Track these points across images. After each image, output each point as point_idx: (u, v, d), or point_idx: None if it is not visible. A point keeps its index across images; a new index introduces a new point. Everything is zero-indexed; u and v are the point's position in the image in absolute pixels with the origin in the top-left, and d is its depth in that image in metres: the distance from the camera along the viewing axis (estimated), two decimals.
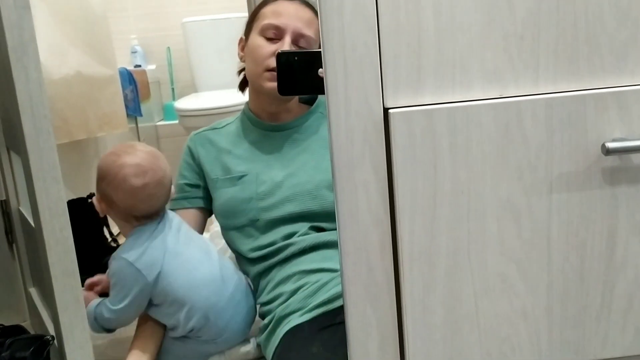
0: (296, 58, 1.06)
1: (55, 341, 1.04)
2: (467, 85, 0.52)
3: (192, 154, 1.32)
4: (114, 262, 1.10)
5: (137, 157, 1.09)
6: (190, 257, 1.12)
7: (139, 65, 2.98)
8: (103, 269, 1.70)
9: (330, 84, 0.52)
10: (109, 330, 1.15)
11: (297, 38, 1.18)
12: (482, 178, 0.52)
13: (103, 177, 1.10)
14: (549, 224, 0.53)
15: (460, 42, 0.51)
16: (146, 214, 1.12)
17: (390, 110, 0.52)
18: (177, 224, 1.16)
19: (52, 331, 1.11)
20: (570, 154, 0.52)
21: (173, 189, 1.18)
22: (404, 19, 0.51)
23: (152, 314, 1.13)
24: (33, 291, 1.49)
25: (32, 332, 1.38)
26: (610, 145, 0.50)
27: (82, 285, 0.98)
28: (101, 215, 1.15)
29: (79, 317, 0.95)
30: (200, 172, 1.29)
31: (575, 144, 0.52)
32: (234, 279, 1.17)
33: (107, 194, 1.10)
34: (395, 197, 0.53)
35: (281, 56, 1.06)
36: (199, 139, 1.32)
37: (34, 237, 1.11)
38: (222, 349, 1.17)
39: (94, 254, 1.84)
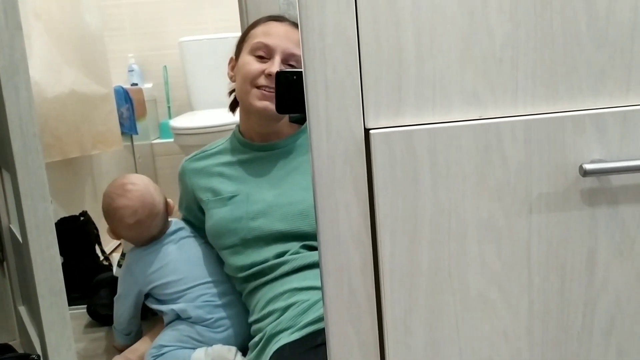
0: (295, 77, 1.07)
1: None
2: (447, 106, 0.52)
3: (185, 183, 1.35)
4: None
5: (126, 199, 1.32)
6: (171, 262, 1.34)
7: (136, 84, 3.00)
8: (94, 287, 1.69)
9: (311, 104, 0.52)
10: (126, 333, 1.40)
11: (287, 57, 1.20)
12: (462, 198, 0.53)
13: (106, 218, 1.36)
14: (528, 245, 0.53)
15: (440, 65, 0.52)
16: (152, 237, 1.35)
17: (371, 131, 0.52)
18: (180, 237, 1.38)
19: (39, 350, 1.10)
20: (549, 175, 0.52)
21: (170, 201, 1.41)
22: (384, 42, 0.51)
23: (153, 306, 1.34)
24: (22, 309, 1.48)
25: (20, 351, 1.36)
26: (588, 166, 0.50)
27: (68, 303, 0.99)
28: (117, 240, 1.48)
29: (65, 336, 0.95)
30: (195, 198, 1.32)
31: (554, 165, 0.52)
32: (219, 283, 1.32)
33: (113, 230, 1.37)
34: (376, 217, 0.53)
35: (280, 75, 1.07)
36: (188, 166, 1.34)
37: (23, 254, 1.11)
38: (215, 336, 1.28)
39: (85, 272, 1.83)
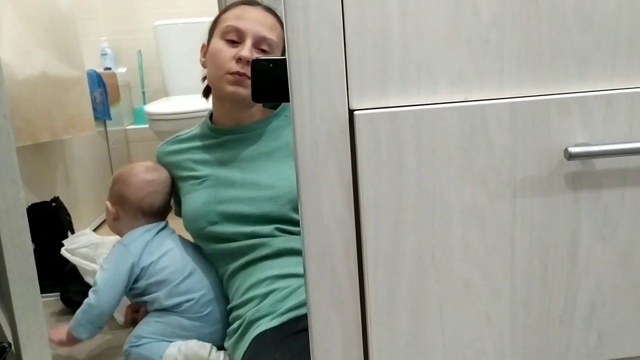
0: (271, 65, 1.05)
1: (13, 348, 1.01)
2: (433, 88, 0.52)
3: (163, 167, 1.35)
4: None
5: (147, 162, 1.35)
6: (170, 251, 1.30)
7: (109, 68, 2.93)
8: (67, 274, 1.66)
9: (294, 85, 0.51)
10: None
11: (258, 41, 1.18)
12: (447, 182, 0.52)
13: (117, 179, 1.33)
14: (512, 229, 0.53)
15: (425, 45, 0.51)
16: (152, 209, 1.31)
17: (355, 112, 0.51)
18: (171, 231, 1.36)
19: (10, 338, 1.08)
20: (533, 159, 0.52)
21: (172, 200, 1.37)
22: (369, 20, 0.50)
23: (136, 299, 1.29)
24: None
25: None
26: (573, 150, 0.50)
27: (41, 290, 0.96)
28: (112, 221, 1.34)
29: (37, 323, 0.93)
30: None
31: (539, 149, 0.52)
32: (211, 276, 1.29)
33: (119, 194, 1.31)
34: (360, 201, 0.52)
35: (256, 63, 1.05)
36: (163, 150, 1.35)
37: None
38: (203, 330, 1.26)
39: (58, 259, 1.79)
